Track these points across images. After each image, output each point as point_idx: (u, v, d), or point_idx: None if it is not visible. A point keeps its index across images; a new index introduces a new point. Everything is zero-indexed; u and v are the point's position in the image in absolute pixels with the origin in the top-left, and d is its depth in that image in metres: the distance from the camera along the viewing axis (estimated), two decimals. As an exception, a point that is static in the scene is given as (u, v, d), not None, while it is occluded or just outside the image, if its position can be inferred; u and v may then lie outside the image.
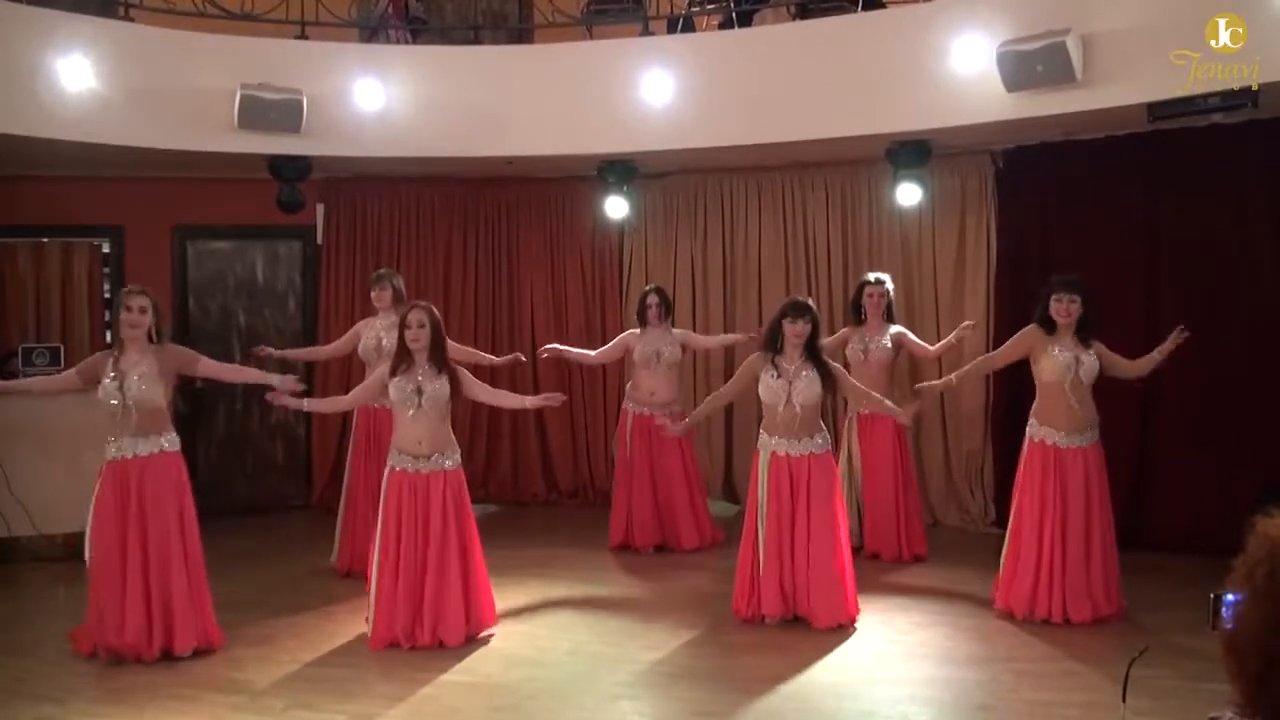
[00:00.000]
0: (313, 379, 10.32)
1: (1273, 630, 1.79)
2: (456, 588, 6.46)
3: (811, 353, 6.68)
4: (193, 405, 10.02)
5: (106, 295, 10.26)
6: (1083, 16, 7.36)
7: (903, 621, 6.86)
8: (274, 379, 6.57)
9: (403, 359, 6.48)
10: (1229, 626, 1.88)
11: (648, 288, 9.17)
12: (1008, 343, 7.03)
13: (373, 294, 8.32)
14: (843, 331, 8.62)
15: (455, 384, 6.50)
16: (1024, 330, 6.85)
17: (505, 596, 7.36)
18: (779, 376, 6.65)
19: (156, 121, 8.48)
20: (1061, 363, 6.62)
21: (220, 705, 5.57)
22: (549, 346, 8.89)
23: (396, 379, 6.45)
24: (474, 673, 6.04)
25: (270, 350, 8.16)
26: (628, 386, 9.15)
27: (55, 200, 9.71)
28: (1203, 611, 2.21)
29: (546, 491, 10.95)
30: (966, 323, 8.37)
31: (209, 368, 6.59)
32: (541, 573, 8.10)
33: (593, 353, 9.15)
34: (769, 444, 6.73)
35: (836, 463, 7.23)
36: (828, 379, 6.67)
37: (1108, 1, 7.39)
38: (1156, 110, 7.27)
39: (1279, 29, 6.61)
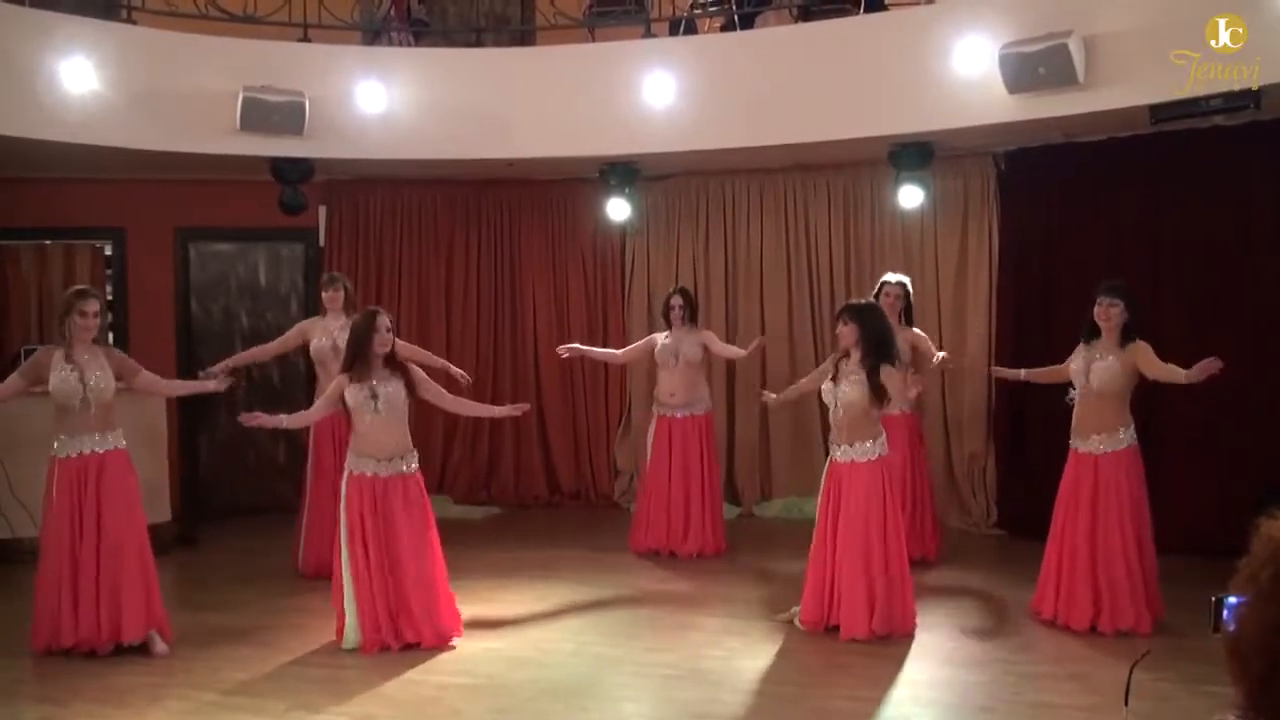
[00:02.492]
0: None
1: (1276, 632, 1.79)
2: (418, 593, 6.43)
3: (865, 357, 6.47)
4: (192, 406, 10.03)
5: (109, 298, 10.26)
6: (1085, 18, 7.36)
7: (905, 623, 6.86)
8: (209, 384, 6.78)
9: (356, 363, 6.42)
10: (1232, 629, 1.88)
11: (673, 289, 9.07)
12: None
13: (325, 295, 8.34)
14: None
15: (410, 384, 6.48)
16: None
17: (507, 598, 7.37)
18: (834, 379, 6.59)
19: (159, 124, 8.49)
20: (1074, 370, 6.64)
21: (221, 706, 5.58)
22: (569, 346, 8.75)
23: (352, 385, 6.40)
24: (476, 674, 6.03)
25: (217, 368, 7.60)
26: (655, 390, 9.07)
27: (58, 202, 9.72)
28: (1204, 614, 2.20)
29: (549, 493, 10.95)
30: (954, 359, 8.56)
31: (147, 381, 6.63)
32: (544, 574, 8.10)
33: (618, 352, 9.04)
34: (832, 450, 6.67)
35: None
36: (874, 385, 6.42)
37: (1110, 3, 7.39)
38: (1158, 112, 7.26)
39: (1280, 30, 6.61)
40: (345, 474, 6.49)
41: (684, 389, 8.70)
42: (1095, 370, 6.54)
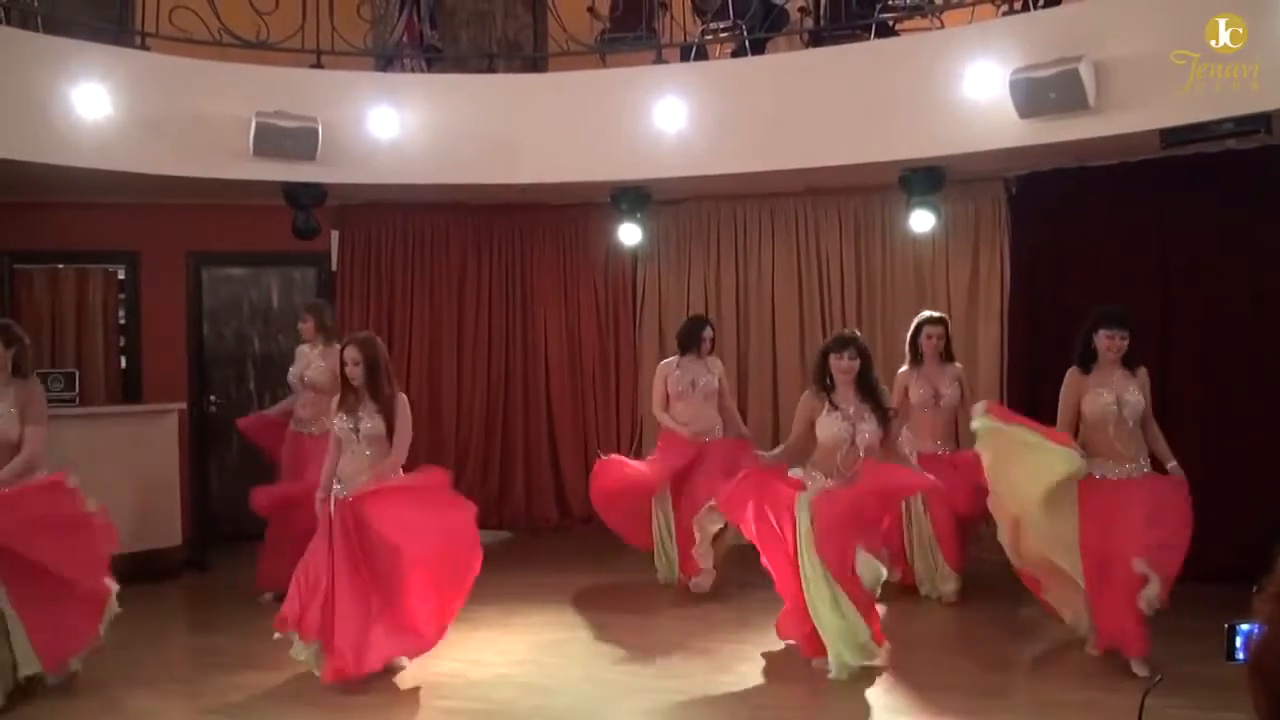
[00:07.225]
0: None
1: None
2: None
3: (866, 390, 6.34)
4: (203, 431, 10.06)
5: (122, 321, 10.30)
6: (1095, 43, 7.36)
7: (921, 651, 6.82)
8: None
9: (348, 393, 6.37)
10: (1254, 650, 1.87)
11: (706, 318, 8.87)
12: (1063, 401, 6.53)
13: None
14: (900, 375, 8.07)
15: (390, 421, 6.29)
16: (1067, 378, 6.52)
17: (518, 623, 7.36)
18: (842, 418, 6.30)
19: (172, 149, 8.53)
20: (1102, 404, 6.37)
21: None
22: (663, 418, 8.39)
23: (340, 415, 6.36)
24: (488, 700, 6.01)
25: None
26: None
27: (71, 227, 9.76)
28: (1217, 641, 2.19)
29: (560, 518, 10.93)
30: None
31: (28, 436, 6.05)
32: (555, 599, 8.09)
33: (679, 426, 8.36)
34: (821, 483, 6.28)
35: None
36: (886, 421, 6.34)
37: (1120, 28, 7.39)
38: (1169, 136, 7.26)
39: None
40: (331, 498, 6.33)
41: (703, 417, 8.37)
42: (1130, 404, 6.37)
